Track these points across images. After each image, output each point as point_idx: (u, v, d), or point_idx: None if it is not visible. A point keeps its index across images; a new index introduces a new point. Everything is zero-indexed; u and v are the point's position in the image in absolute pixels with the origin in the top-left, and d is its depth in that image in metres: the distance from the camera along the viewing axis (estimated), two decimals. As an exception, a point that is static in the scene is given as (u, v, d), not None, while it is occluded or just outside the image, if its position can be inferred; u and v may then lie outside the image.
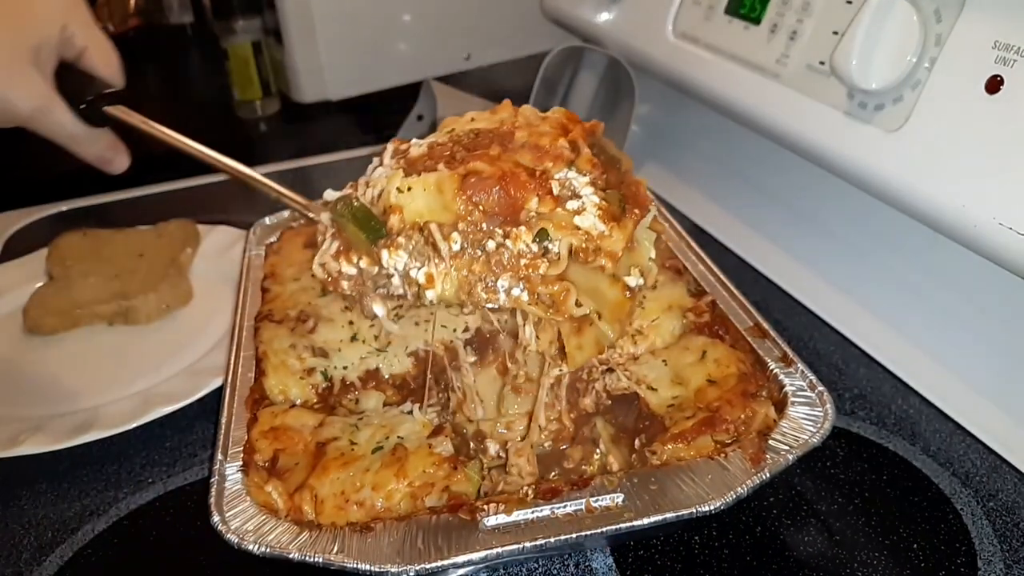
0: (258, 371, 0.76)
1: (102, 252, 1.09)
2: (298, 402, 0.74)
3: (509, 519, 0.58)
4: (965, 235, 0.71)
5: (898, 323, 0.90)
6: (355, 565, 0.55)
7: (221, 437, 0.68)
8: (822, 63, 0.84)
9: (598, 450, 0.72)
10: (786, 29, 0.89)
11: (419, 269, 0.61)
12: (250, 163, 1.35)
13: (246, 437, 0.68)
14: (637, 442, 0.69)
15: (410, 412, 0.73)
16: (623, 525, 0.57)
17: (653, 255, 0.67)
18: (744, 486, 0.59)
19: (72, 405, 0.86)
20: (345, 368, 0.77)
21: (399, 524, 0.58)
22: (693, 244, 0.92)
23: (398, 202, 0.61)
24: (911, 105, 0.74)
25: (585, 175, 0.62)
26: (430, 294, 0.62)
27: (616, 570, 0.67)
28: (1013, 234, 0.66)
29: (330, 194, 0.67)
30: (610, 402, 0.74)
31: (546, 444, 0.75)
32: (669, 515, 0.58)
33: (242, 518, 0.60)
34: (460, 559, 0.55)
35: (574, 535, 0.57)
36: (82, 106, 0.77)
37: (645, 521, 0.57)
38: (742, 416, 0.66)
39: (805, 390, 0.69)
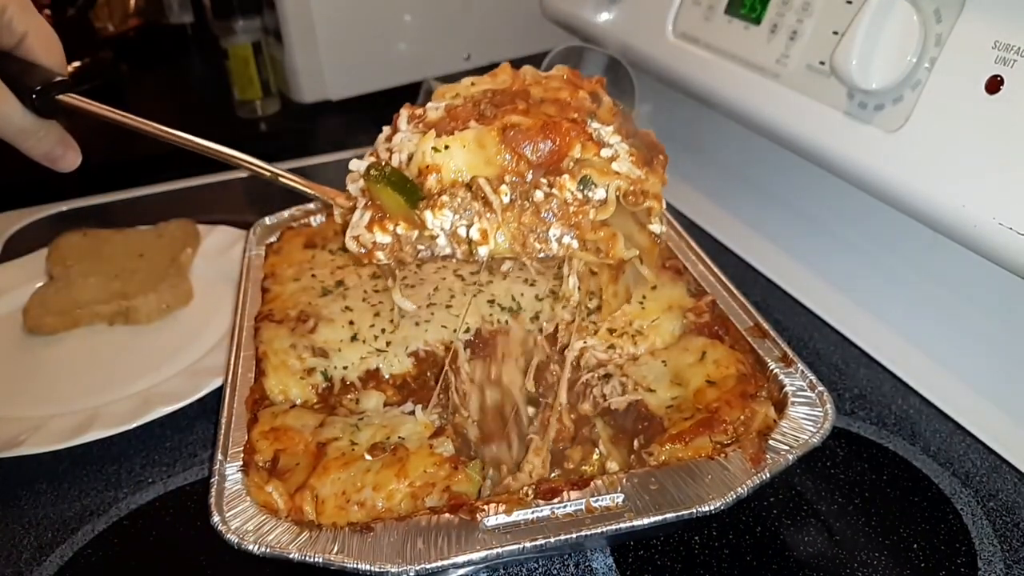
0: (258, 371, 0.76)
1: (102, 252, 1.09)
2: (298, 402, 0.74)
3: (509, 519, 0.58)
4: (965, 235, 0.71)
5: (898, 323, 0.90)
6: (355, 565, 0.55)
7: (221, 437, 0.68)
8: (822, 63, 0.84)
9: (598, 451, 0.72)
10: (786, 29, 0.89)
11: (468, 227, 0.61)
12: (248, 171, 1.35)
13: (246, 437, 0.68)
14: (636, 443, 0.69)
15: (412, 412, 0.73)
16: (623, 525, 0.57)
17: (663, 201, 0.67)
18: (744, 486, 0.59)
19: (72, 405, 0.86)
20: (345, 368, 0.77)
21: (399, 524, 0.58)
22: (693, 244, 0.92)
23: (435, 162, 0.60)
24: (911, 105, 0.74)
25: (609, 125, 0.62)
26: (483, 250, 0.61)
27: (616, 570, 0.67)
28: (1013, 234, 0.66)
29: (356, 164, 0.65)
30: (609, 404, 0.74)
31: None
32: (669, 515, 0.58)
33: (242, 518, 0.60)
34: (460, 559, 0.55)
35: (574, 535, 0.57)
36: (33, 96, 0.70)
37: (645, 521, 0.57)
38: (741, 417, 0.66)
39: (805, 390, 0.69)
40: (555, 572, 0.67)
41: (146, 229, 1.15)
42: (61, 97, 0.72)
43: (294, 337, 0.79)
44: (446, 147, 0.60)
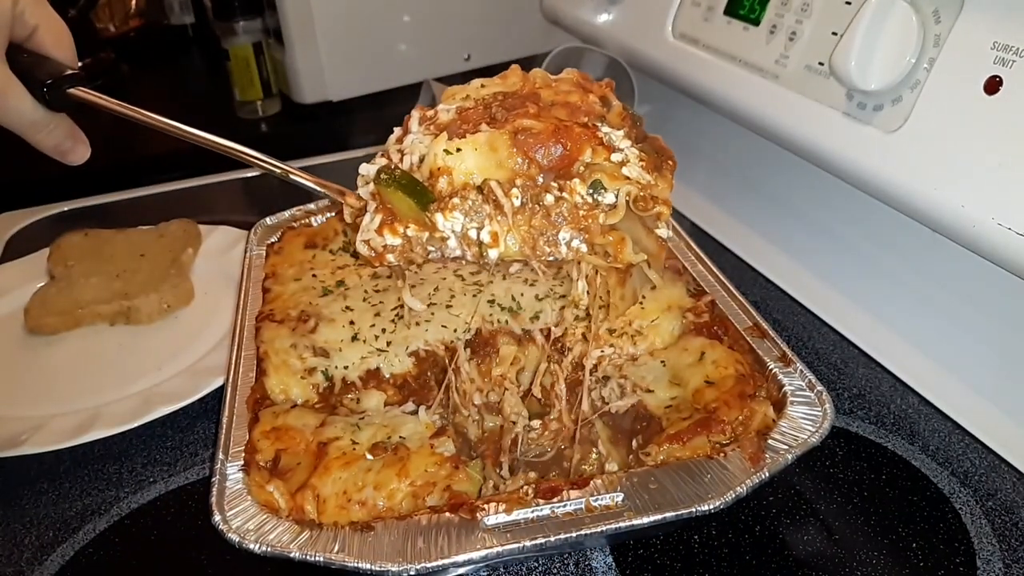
0: (259, 371, 0.76)
1: (103, 252, 1.09)
2: (299, 402, 0.74)
3: (509, 518, 0.58)
4: (964, 235, 0.71)
5: (897, 323, 0.91)
6: (356, 564, 0.55)
7: (222, 436, 0.68)
8: (821, 64, 0.84)
9: (597, 451, 0.72)
10: (785, 30, 0.89)
11: (479, 229, 0.61)
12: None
13: (247, 437, 0.68)
14: (634, 443, 0.69)
15: (414, 412, 0.73)
16: (623, 524, 0.57)
17: (671, 207, 0.67)
18: (743, 486, 0.60)
19: (73, 405, 0.86)
20: (346, 368, 0.77)
21: (400, 523, 0.59)
22: (692, 244, 0.92)
23: (447, 164, 0.60)
24: (910, 106, 0.74)
25: (620, 129, 0.63)
26: (493, 253, 0.62)
27: (616, 569, 0.67)
28: (1012, 234, 0.66)
29: (366, 168, 0.65)
30: (609, 408, 0.74)
31: (546, 444, 0.75)
32: (669, 514, 0.58)
33: (243, 517, 0.60)
34: (460, 558, 0.56)
35: (574, 534, 0.57)
36: (44, 89, 0.70)
37: (645, 520, 0.58)
38: (739, 417, 0.66)
39: (804, 390, 0.69)
40: (555, 571, 0.67)
41: (147, 229, 1.15)
42: (72, 91, 0.72)
43: (295, 337, 0.79)
44: (458, 150, 0.61)
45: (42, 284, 1.06)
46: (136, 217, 1.25)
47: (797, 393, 0.69)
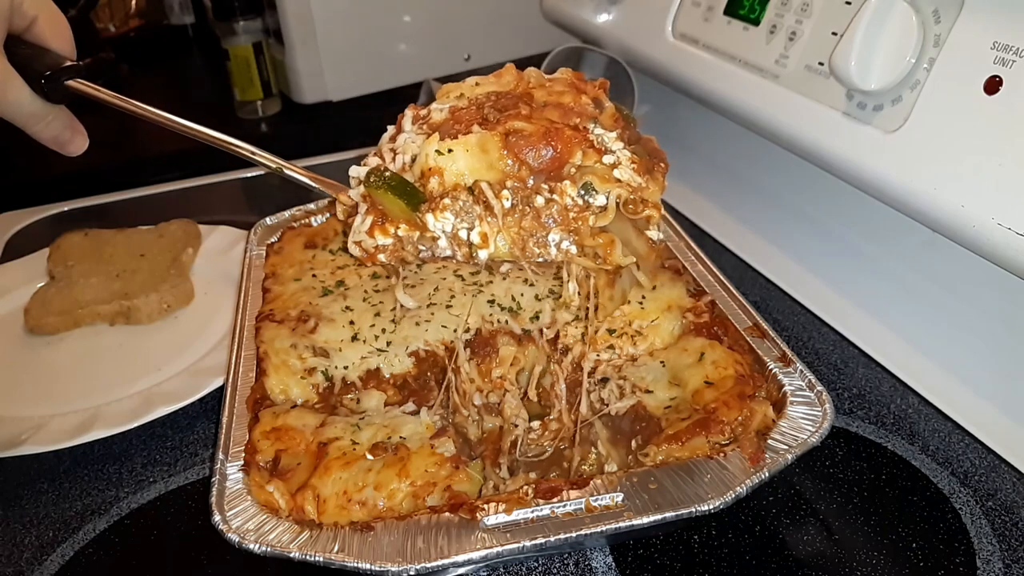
0: (259, 371, 0.76)
1: (103, 252, 1.09)
2: (299, 402, 0.74)
3: (509, 518, 0.58)
4: (964, 235, 0.71)
5: (897, 323, 0.91)
6: (356, 564, 0.55)
7: (222, 436, 0.68)
8: (821, 64, 0.84)
9: (596, 451, 0.72)
10: (785, 30, 0.89)
11: (469, 230, 0.61)
12: (251, 164, 1.35)
13: (247, 437, 0.68)
14: (634, 443, 0.69)
15: (414, 412, 0.73)
16: (622, 524, 0.57)
17: (662, 210, 0.68)
18: (743, 485, 0.60)
19: (73, 405, 0.86)
20: (346, 368, 0.77)
21: (399, 523, 0.59)
22: (692, 244, 0.92)
23: (438, 165, 0.61)
24: (910, 106, 0.74)
25: (612, 131, 0.63)
26: (483, 253, 0.62)
27: (616, 569, 0.67)
28: (1011, 234, 0.66)
29: (356, 170, 0.65)
30: (609, 410, 0.74)
31: (546, 444, 0.75)
32: (668, 514, 0.58)
33: (243, 517, 0.60)
34: (460, 558, 0.56)
35: (574, 534, 0.57)
36: (42, 81, 0.70)
37: (644, 520, 0.58)
38: (738, 418, 0.66)
39: (804, 390, 0.69)
40: (555, 571, 0.67)
41: (147, 229, 1.15)
42: (70, 82, 0.72)
43: (295, 337, 0.79)
44: (449, 151, 0.61)
45: (42, 284, 1.06)
46: (136, 217, 1.25)
47: (797, 393, 0.69)
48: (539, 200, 0.61)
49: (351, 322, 0.81)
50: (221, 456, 0.66)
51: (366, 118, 1.60)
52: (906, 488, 0.73)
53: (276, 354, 0.77)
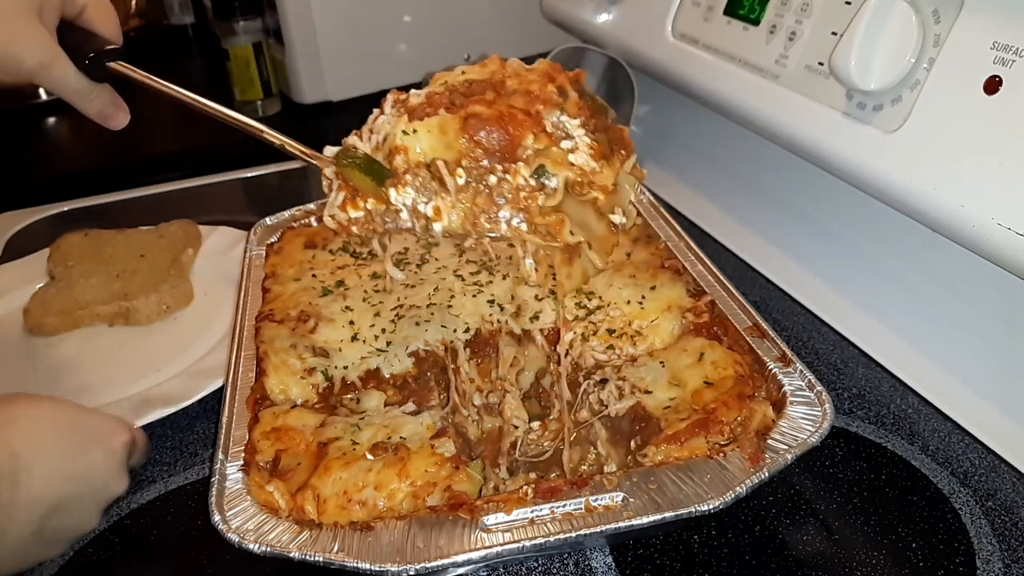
0: (259, 371, 0.76)
1: (103, 253, 1.09)
2: (299, 402, 0.74)
3: (509, 518, 0.58)
4: (964, 235, 0.71)
5: (897, 323, 0.91)
6: (355, 564, 0.55)
7: (222, 436, 0.68)
8: (821, 64, 0.84)
9: (596, 451, 0.72)
10: (785, 30, 0.89)
11: (427, 203, 0.66)
12: (251, 163, 1.36)
13: (247, 437, 0.68)
14: (633, 444, 0.69)
15: (414, 412, 0.73)
16: (622, 524, 0.57)
17: (633, 198, 0.70)
18: (743, 485, 0.60)
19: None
20: (346, 368, 0.77)
21: (399, 523, 0.59)
22: (692, 244, 0.92)
23: (403, 143, 0.65)
24: (910, 106, 0.74)
25: (576, 119, 0.66)
26: (437, 226, 0.66)
27: (616, 569, 0.67)
28: (1011, 234, 0.66)
29: (330, 150, 0.71)
30: (608, 411, 0.74)
31: (546, 444, 0.75)
32: (668, 514, 0.58)
33: (243, 517, 0.60)
34: (460, 558, 0.56)
35: (574, 534, 0.57)
36: (86, 61, 0.79)
37: (644, 520, 0.58)
38: (738, 418, 0.66)
39: (804, 390, 0.69)
40: (554, 571, 0.67)
41: (147, 230, 1.15)
42: (111, 64, 0.80)
43: (295, 337, 0.79)
44: (414, 131, 0.65)
45: (41, 284, 1.06)
46: (136, 217, 1.25)
47: (797, 393, 0.69)
48: (492, 179, 0.65)
49: (351, 322, 0.81)
50: (221, 456, 0.66)
51: (366, 118, 1.60)
52: (906, 488, 0.73)
53: (276, 354, 0.77)
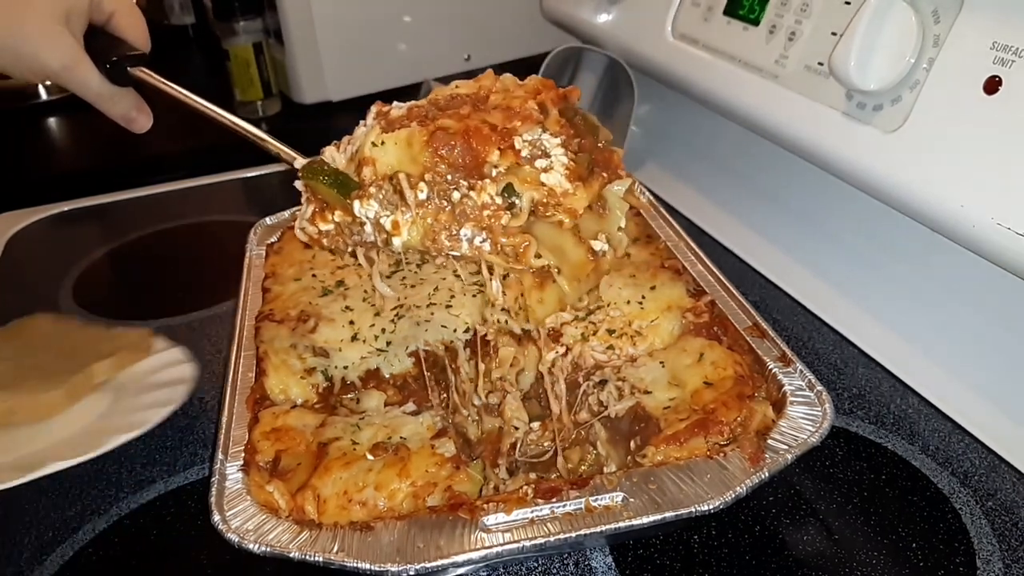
0: (259, 371, 0.76)
1: (44, 342, 0.93)
2: (299, 402, 0.74)
3: (509, 518, 0.58)
4: (963, 235, 0.71)
5: (897, 323, 0.91)
6: (355, 564, 0.55)
7: (222, 437, 0.68)
8: (821, 64, 0.84)
9: (596, 451, 0.72)
10: (785, 30, 0.89)
11: (388, 217, 0.65)
12: (251, 163, 1.36)
13: (247, 437, 0.68)
14: (632, 444, 0.69)
15: (415, 413, 0.73)
16: (622, 524, 0.57)
17: (623, 224, 0.69)
18: (743, 486, 0.60)
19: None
20: (346, 368, 0.77)
21: (399, 523, 0.59)
22: (692, 244, 0.92)
23: (372, 155, 0.64)
24: (909, 106, 0.74)
25: (557, 137, 0.65)
26: (397, 241, 0.65)
27: (616, 569, 0.67)
28: (1011, 234, 0.66)
29: (300, 162, 0.71)
30: (607, 413, 0.74)
31: (546, 444, 0.75)
32: (668, 515, 0.58)
33: (242, 517, 0.60)
34: (460, 558, 0.56)
35: (574, 534, 0.57)
36: (108, 65, 0.81)
37: (644, 520, 0.58)
38: (738, 418, 0.66)
39: (804, 390, 0.69)
40: (554, 571, 0.67)
41: (106, 333, 0.95)
42: (132, 69, 0.82)
43: (295, 337, 0.79)
44: (382, 143, 0.64)
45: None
46: (136, 217, 1.25)
47: (797, 393, 0.69)
48: (456, 195, 0.63)
49: (351, 322, 0.81)
50: (221, 456, 0.66)
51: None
52: (906, 488, 0.73)
53: (276, 354, 0.77)
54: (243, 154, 1.44)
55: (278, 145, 0.76)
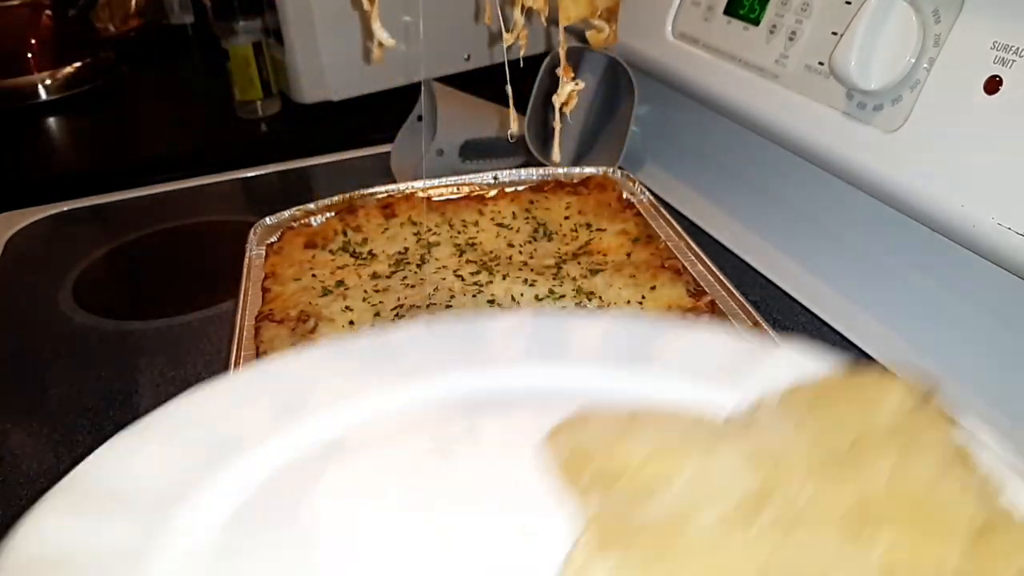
0: (259, 371, 0.76)
1: None
2: (298, 402, 0.74)
3: None
4: (964, 235, 0.71)
5: (897, 322, 0.90)
6: None
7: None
8: (821, 64, 0.84)
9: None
10: (785, 30, 0.89)
11: None
12: (251, 163, 1.36)
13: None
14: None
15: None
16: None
17: None
18: (743, 485, 0.59)
19: None
20: (345, 368, 0.77)
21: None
22: (692, 244, 0.92)
23: None
24: (910, 105, 0.74)
25: None
26: None
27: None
28: (1012, 234, 0.66)
29: None
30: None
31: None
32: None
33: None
34: None
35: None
36: None
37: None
38: (740, 416, 0.66)
39: (804, 390, 0.69)
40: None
41: None
42: None
43: (295, 337, 0.79)
44: None
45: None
46: (136, 217, 1.25)
47: (797, 393, 0.69)
48: None
49: (351, 322, 0.81)
50: (221, 456, 0.65)
51: (366, 118, 1.61)
52: (906, 488, 0.73)
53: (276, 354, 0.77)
54: (243, 154, 1.45)
55: None
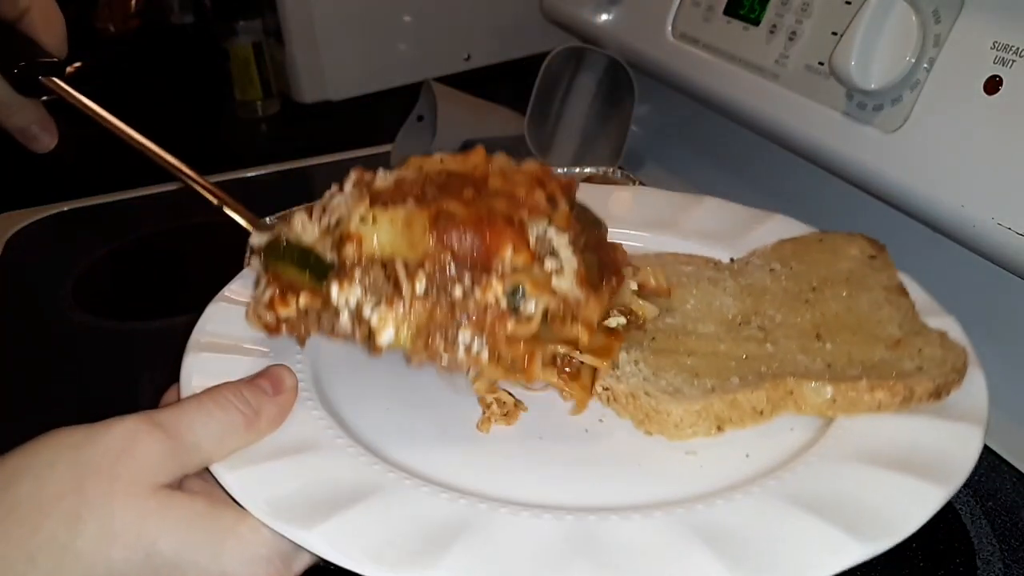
0: (259, 371, 0.76)
1: None
2: (299, 402, 0.74)
3: None
4: (964, 235, 0.71)
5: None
6: None
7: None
8: (821, 64, 0.84)
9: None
10: (785, 30, 0.89)
11: (374, 308, 0.54)
12: (250, 164, 1.35)
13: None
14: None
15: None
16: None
17: (635, 288, 0.63)
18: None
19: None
20: (345, 368, 0.77)
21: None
22: (693, 244, 0.92)
23: (359, 231, 0.54)
24: (910, 106, 0.74)
25: (564, 234, 0.56)
26: (383, 338, 0.54)
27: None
28: (1012, 234, 0.66)
29: (256, 239, 0.60)
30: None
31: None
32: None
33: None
34: None
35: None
36: (15, 71, 0.70)
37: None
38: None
39: (804, 390, 0.69)
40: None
41: None
42: (43, 78, 0.71)
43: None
44: (374, 220, 0.54)
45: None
46: (136, 217, 1.25)
47: (797, 393, 0.69)
48: (457, 292, 0.53)
49: (351, 322, 0.81)
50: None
51: (366, 118, 1.61)
52: (906, 488, 0.73)
53: (276, 354, 0.77)
54: (243, 154, 1.45)
55: (234, 204, 0.65)
